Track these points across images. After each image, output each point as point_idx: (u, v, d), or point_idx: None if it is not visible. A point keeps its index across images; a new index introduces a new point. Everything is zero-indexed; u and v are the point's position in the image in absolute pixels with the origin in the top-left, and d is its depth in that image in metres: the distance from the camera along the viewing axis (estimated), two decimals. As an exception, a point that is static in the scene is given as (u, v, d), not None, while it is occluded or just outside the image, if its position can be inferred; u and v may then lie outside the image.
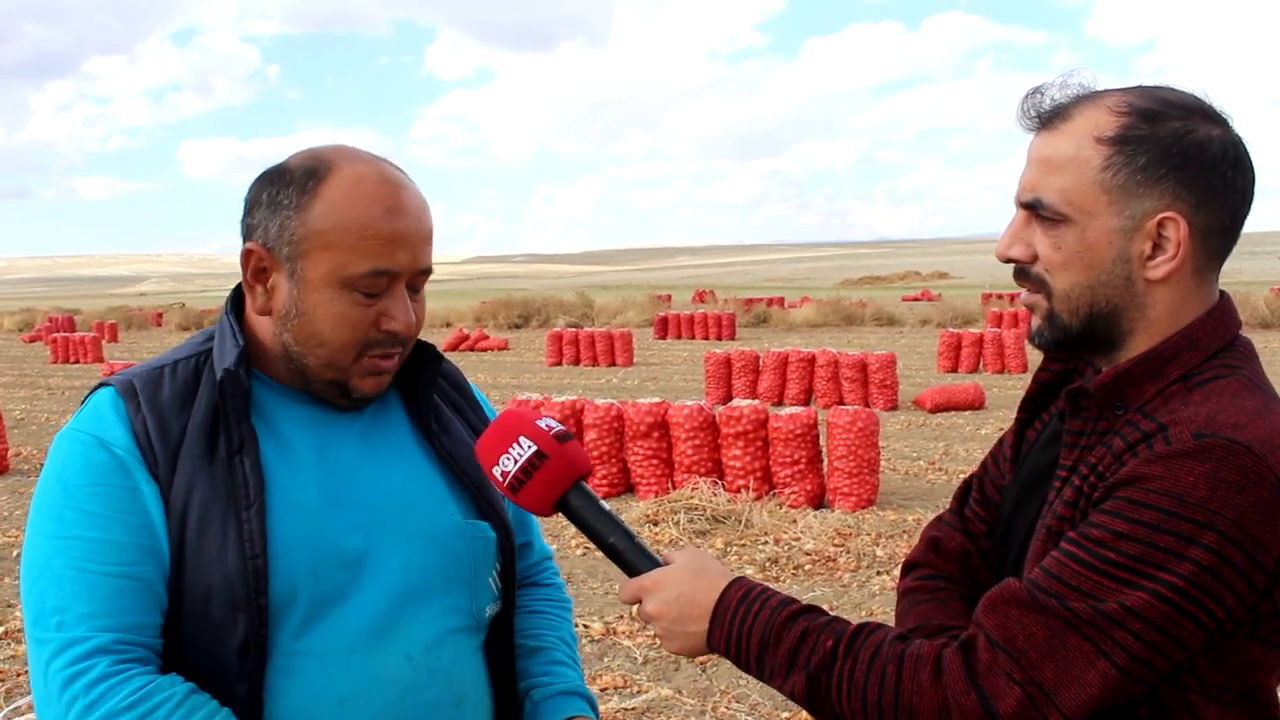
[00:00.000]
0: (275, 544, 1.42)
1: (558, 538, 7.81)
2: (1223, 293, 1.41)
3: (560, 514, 1.49)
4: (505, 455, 1.46)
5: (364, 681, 1.45)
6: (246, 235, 1.51)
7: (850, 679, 1.33)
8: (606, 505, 1.50)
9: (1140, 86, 1.37)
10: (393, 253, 1.45)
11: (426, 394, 1.62)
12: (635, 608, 1.49)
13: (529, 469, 1.45)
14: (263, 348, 1.53)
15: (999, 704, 1.25)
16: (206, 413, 1.46)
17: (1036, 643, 1.25)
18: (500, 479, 1.47)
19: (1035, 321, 1.42)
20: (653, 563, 1.48)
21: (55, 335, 29.12)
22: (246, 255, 1.49)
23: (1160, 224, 1.32)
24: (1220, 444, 1.22)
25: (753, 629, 1.39)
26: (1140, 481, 1.24)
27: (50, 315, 44.76)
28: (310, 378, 1.51)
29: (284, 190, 1.47)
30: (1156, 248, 1.33)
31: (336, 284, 1.44)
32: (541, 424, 1.48)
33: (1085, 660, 1.23)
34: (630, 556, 1.48)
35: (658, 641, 1.51)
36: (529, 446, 1.45)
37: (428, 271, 1.52)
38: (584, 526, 1.49)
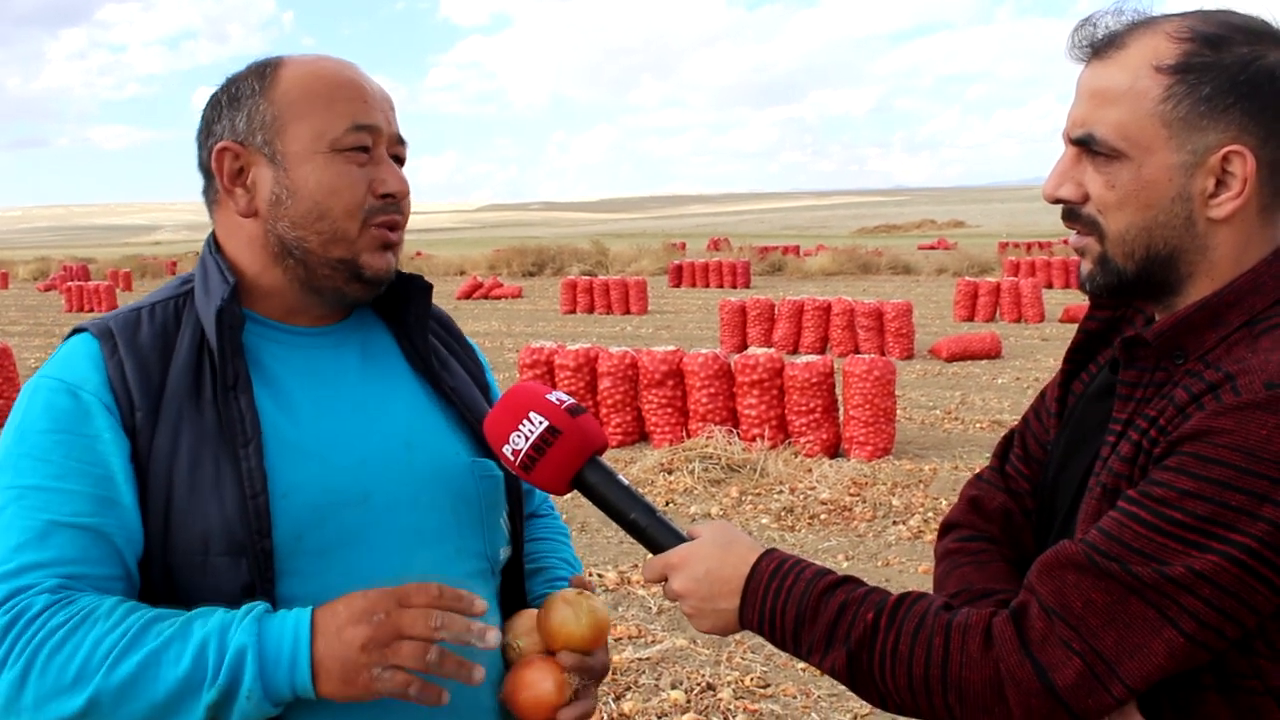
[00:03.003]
0: (275, 486, 1.34)
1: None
2: None
3: (576, 491, 1.43)
4: (515, 433, 1.40)
5: None
6: (210, 153, 1.47)
7: (894, 653, 1.26)
8: (625, 480, 1.44)
9: (1201, 11, 1.28)
10: (369, 110, 1.44)
11: (420, 326, 1.56)
12: (661, 585, 1.43)
13: (541, 445, 1.38)
14: (249, 281, 1.46)
15: (1057, 675, 1.18)
16: (190, 353, 1.39)
17: (1096, 609, 1.18)
18: (511, 458, 1.40)
19: (1086, 266, 1.33)
20: (677, 538, 1.41)
21: (70, 284, 29.19)
22: (220, 156, 1.44)
23: (1225, 158, 1.23)
24: None
25: (787, 604, 1.33)
26: (1208, 435, 1.16)
27: (65, 264, 44.87)
28: (315, 269, 1.44)
29: (241, 86, 1.46)
30: (1220, 184, 1.24)
31: (323, 150, 1.41)
32: (552, 397, 1.41)
33: (1149, 628, 1.16)
34: (653, 532, 1.42)
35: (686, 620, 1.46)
36: (540, 422, 1.39)
37: (403, 143, 1.50)
38: (602, 503, 1.42)
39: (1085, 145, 1.28)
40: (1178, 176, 1.24)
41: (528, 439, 1.39)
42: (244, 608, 1.27)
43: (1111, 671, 1.16)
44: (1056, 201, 1.33)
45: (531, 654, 1.46)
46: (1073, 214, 1.32)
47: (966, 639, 1.22)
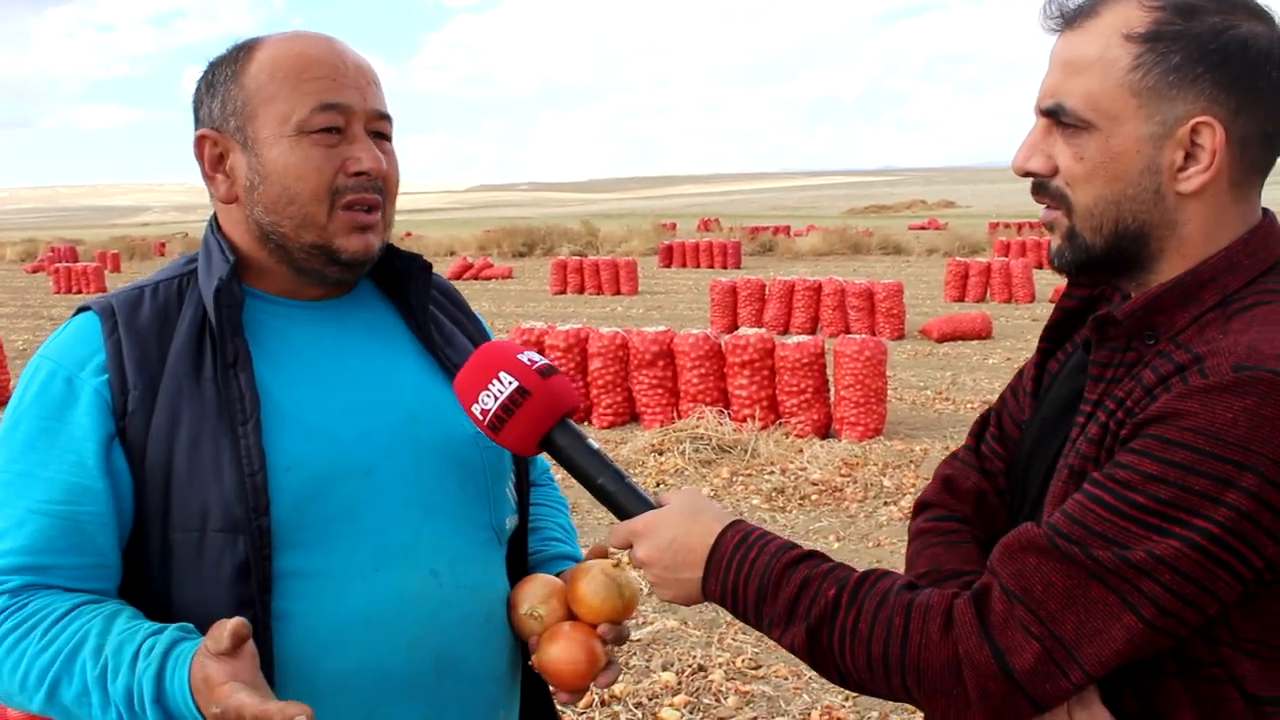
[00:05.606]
0: (276, 460, 1.35)
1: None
2: (1266, 211, 1.29)
3: (545, 454, 1.42)
4: (485, 392, 1.38)
5: (391, 600, 1.40)
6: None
7: (854, 631, 1.23)
8: (595, 444, 1.42)
9: None
10: (338, 88, 1.42)
11: (421, 303, 1.56)
12: (627, 553, 1.42)
13: (510, 406, 1.37)
14: (246, 260, 1.47)
15: (1015, 659, 1.15)
16: (191, 331, 1.40)
17: (1056, 593, 1.15)
18: (480, 417, 1.39)
19: (1055, 241, 1.30)
20: (645, 504, 1.39)
21: (58, 266, 29.04)
22: (200, 143, 1.46)
23: (1194, 130, 1.19)
24: (1263, 377, 1.10)
25: (750, 576, 1.30)
26: (1173, 418, 1.13)
27: (52, 246, 44.63)
28: (293, 253, 1.44)
29: (218, 72, 1.46)
30: (1189, 157, 1.21)
31: (290, 134, 1.40)
32: (523, 358, 1.39)
33: (1109, 613, 1.13)
34: (621, 498, 1.40)
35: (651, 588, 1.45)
36: (510, 383, 1.37)
37: (386, 117, 1.48)
38: (570, 467, 1.41)
39: (1055, 116, 1.25)
40: (1146, 148, 1.21)
41: (496, 399, 1.37)
42: (146, 672, 1.24)
43: (1070, 656, 1.14)
44: (1026, 174, 1.30)
45: (558, 621, 1.46)
46: (1042, 187, 1.29)
47: (927, 620, 1.20)
